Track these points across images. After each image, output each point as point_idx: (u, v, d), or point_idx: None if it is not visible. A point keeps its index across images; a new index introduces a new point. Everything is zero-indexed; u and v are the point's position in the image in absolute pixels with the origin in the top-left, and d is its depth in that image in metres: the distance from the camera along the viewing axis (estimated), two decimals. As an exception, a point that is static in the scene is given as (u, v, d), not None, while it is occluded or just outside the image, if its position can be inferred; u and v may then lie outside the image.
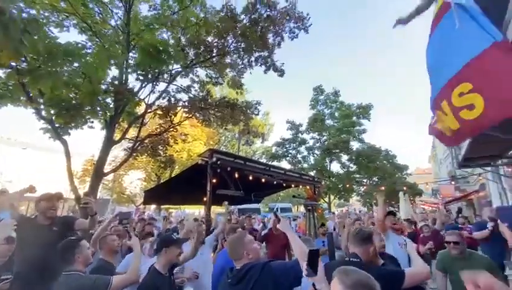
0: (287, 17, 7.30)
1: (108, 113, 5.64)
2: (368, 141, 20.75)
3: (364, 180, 21.11)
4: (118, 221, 3.55)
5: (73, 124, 4.94)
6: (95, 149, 6.14)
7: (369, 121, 20.84)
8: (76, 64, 4.69)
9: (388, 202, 20.88)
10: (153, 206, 22.76)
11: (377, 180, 20.34)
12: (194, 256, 2.92)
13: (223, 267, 2.40)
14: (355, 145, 20.53)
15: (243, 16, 7.27)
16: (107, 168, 8.19)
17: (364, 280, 1.03)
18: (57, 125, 4.91)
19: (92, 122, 5.63)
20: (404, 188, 17.98)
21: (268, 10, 7.11)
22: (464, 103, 1.63)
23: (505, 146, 4.82)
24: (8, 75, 3.98)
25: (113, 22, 6.69)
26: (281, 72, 8.04)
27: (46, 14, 5.25)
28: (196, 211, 23.56)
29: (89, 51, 5.21)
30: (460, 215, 7.84)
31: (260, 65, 7.96)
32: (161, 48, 5.92)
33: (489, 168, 6.76)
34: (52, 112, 4.65)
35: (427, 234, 4.61)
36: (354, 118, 20.56)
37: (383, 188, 19.46)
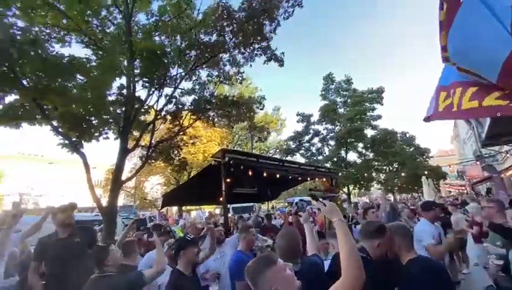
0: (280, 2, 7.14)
1: (121, 124, 5.75)
2: (382, 125, 19.81)
3: (385, 167, 20.46)
4: (136, 228, 3.95)
5: (87, 137, 5.07)
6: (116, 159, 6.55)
7: (382, 105, 19.88)
8: (81, 78, 4.79)
9: (410, 187, 20.13)
10: (175, 209, 23.34)
11: (397, 166, 19.64)
12: (211, 254, 3.07)
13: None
14: (369, 132, 19.68)
15: (239, 13, 7.21)
16: (127, 175, 8.40)
17: None
18: (73, 139, 5.03)
19: (107, 133, 5.74)
20: (426, 172, 17.27)
21: (263, 3, 7.00)
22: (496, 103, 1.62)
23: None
24: (21, 94, 4.12)
25: (112, 29, 6.57)
26: (281, 62, 7.89)
27: (48, 30, 5.42)
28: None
29: (93, 64, 5.24)
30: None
31: (260, 56, 7.85)
32: (159, 52, 5.94)
33: (518, 144, 6.31)
34: (64, 127, 4.80)
35: None
36: (367, 104, 19.70)
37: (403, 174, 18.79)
